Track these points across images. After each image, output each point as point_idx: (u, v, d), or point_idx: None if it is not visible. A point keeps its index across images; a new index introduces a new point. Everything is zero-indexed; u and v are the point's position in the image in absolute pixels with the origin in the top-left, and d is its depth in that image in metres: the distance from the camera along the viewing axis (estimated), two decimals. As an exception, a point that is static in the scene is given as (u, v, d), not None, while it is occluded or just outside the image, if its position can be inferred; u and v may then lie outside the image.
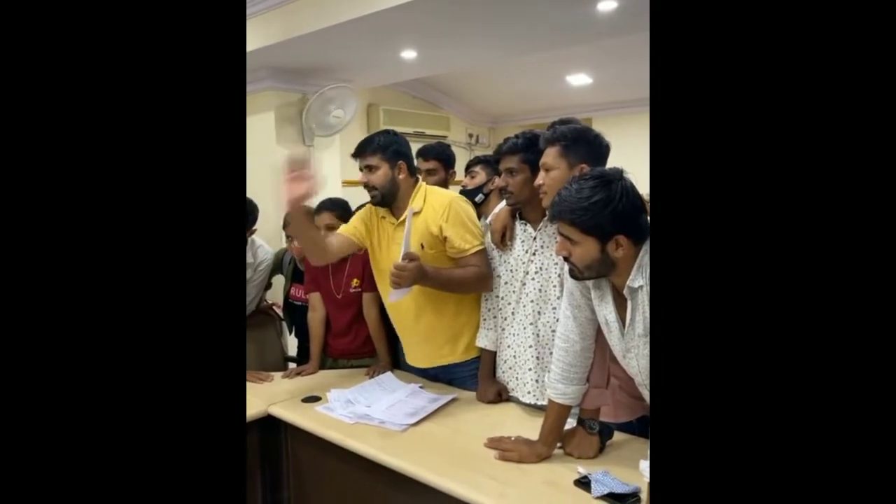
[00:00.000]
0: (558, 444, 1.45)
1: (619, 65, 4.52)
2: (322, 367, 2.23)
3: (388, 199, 1.86)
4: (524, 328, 1.73)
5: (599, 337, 1.45)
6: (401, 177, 1.85)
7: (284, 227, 2.49)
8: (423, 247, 1.80)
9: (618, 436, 1.48)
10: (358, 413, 1.70)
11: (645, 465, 1.23)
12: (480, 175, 2.38)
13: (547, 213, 1.50)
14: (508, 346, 1.78)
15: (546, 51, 3.58)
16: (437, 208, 1.81)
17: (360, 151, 1.86)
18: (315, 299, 2.27)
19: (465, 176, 2.46)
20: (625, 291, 1.30)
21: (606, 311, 1.37)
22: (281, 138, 3.48)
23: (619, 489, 1.23)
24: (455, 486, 1.30)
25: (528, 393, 1.73)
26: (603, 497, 1.22)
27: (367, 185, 1.85)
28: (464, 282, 1.79)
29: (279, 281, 2.67)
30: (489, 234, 1.84)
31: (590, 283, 1.39)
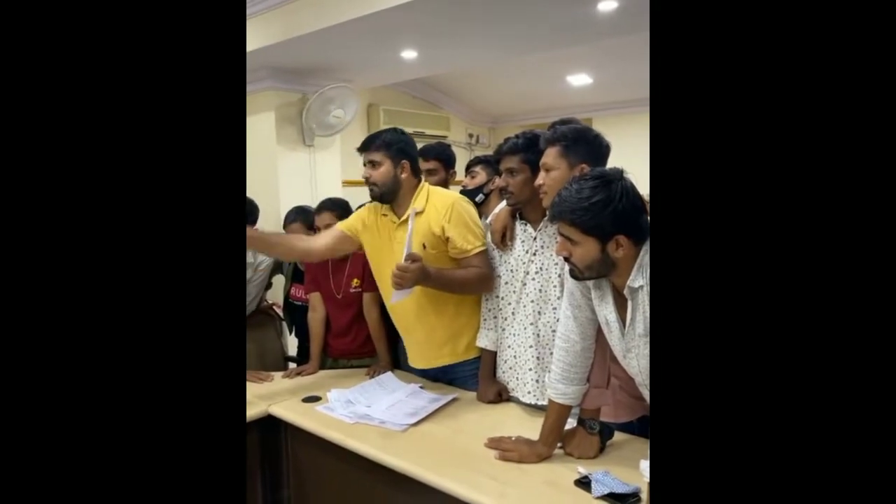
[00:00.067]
0: (559, 445, 1.45)
1: (619, 65, 4.52)
2: (322, 367, 2.24)
3: (388, 197, 1.86)
4: (524, 328, 1.73)
5: (600, 337, 1.45)
6: (403, 175, 1.85)
7: (285, 227, 2.49)
8: (424, 247, 1.80)
9: (618, 436, 1.48)
10: (358, 413, 1.70)
11: (645, 465, 1.23)
12: (481, 175, 2.38)
13: (547, 213, 1.49)
14: (509, 347, 1.78)
15: (546, 51, 3.58)
16: (439, 209, 1.81)
17: (366, 146, 1.87)
18: (315, 299, 2.27)
19: (466, 176, 2.46)
20: (625, 291, 1.30)
21: (607, 311, 1.37)
22: (281, 138, 3.48)
23: (619, 489, 1.23)
24: (455, 486, 1.30)
25: (529, 393, 1.73)
26: (603, 497, 1.22)
27: (367, 180, 1.86)
28: (466, 283, 1.79)
29: (279, 281, 2.67)
30: (489, 235, 1.84)
31: (590, 283, 1.38)
